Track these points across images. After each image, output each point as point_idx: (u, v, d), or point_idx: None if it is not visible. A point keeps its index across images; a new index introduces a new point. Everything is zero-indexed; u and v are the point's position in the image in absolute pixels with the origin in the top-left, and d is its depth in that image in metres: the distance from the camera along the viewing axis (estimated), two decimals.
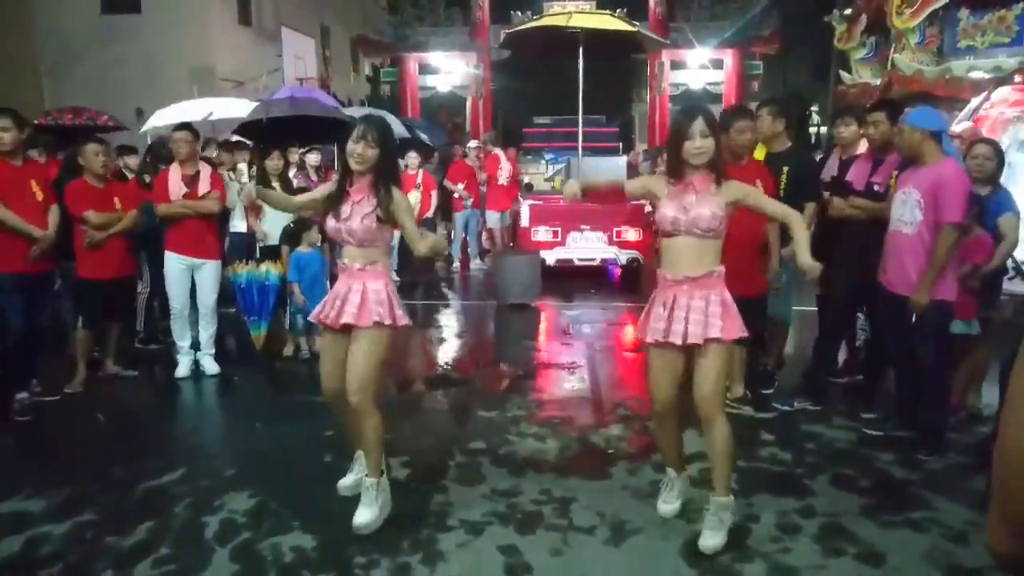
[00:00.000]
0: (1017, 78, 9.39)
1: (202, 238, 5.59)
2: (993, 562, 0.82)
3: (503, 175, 10.90)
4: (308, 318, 3.59)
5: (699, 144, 3.07)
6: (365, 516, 3.30)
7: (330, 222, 3.41)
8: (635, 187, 3.50)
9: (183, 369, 5.64)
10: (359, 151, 3.27)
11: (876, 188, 4.47)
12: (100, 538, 3.28)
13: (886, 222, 4.22)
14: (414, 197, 10.04)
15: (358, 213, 3.32)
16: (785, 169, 4.70)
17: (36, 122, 9.44)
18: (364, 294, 3.31)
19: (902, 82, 11.45)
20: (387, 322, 3.32)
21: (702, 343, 3.06)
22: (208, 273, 5.64)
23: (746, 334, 3.17)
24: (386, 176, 3.36)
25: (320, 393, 3.50)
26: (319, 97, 10.54)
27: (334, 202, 3.39)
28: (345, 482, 3.69)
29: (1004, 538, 0.79)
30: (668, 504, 3.48)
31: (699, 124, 3.08)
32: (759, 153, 5.03)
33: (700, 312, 3.07)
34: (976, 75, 10.50)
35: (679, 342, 3.08)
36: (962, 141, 5.79)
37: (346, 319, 3.28)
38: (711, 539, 3.12)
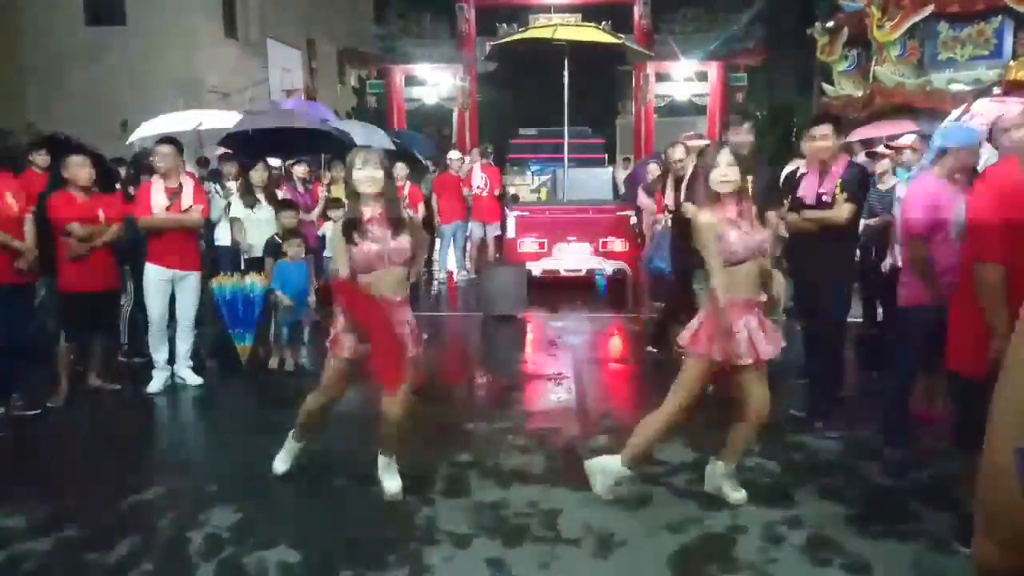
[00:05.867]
0: (996, 90, 9.53)
1: (184, 250, 5.56)
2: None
3: (477, 187, 10.71)
4: (341, 353, 3.55)
5: (724, 172, 3.19)
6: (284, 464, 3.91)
7: (370, 247, 3.38)
8: (710, 242, 3.24)
9: (156, 384, 5.54)
10: (368, 174, 3.41)
11: (825, 199, 4.56)
12: (83, 554, 3.24)
13: (837, 231, 4.34)
14: None
15: (390, 232, 3.43)
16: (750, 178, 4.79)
17: None
18: (412, 327, 3.63)
19: (884, 94, 11.60)
20: None
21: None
22: (189, 285, 5.61)
23: None
24: (394, 196, 3.59)
25: None
26: (308, 109, 10.53)
27: (353, 228, 3.41)
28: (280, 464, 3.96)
29: (990, 551, 0.80)
30: (741, 490, 3.61)
31: (725, 155, 3.21)
32: None
33: (760, 331, 3.30)
34: (956, 87, 10.66)
35: (751, 360, 3.26)
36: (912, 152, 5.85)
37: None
38: (742, 492, 3.57)
